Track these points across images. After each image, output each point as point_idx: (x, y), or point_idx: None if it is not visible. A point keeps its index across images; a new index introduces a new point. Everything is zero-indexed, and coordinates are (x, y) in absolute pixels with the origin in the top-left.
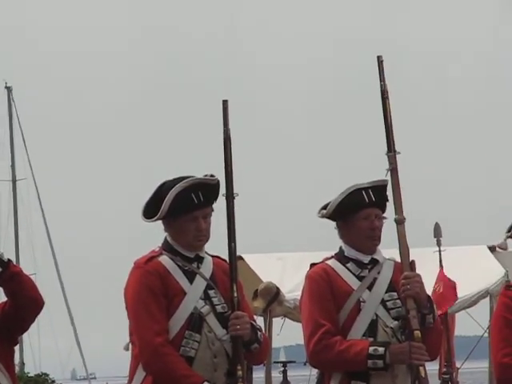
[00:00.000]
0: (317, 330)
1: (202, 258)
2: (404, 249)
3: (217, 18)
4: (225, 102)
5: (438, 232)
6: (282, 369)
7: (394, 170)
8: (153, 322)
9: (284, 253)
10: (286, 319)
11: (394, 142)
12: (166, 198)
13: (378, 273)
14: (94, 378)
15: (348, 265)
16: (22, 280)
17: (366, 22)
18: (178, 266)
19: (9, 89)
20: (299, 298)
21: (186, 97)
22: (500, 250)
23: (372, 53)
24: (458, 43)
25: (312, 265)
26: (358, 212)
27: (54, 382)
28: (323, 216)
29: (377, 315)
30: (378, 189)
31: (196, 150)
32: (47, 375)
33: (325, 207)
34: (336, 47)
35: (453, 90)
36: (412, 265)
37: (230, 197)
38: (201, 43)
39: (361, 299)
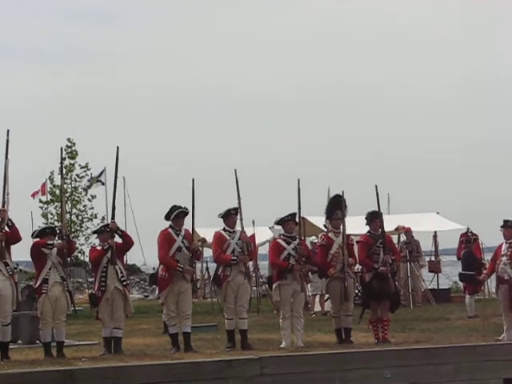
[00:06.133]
0: None
1: (181, 230)
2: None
3: None
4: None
5: None
6: None
7: None
8: (165, 249)
9: None
10: None
11: None
12: (173, 214)
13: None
14: None
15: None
16: (127, 236)
17: None
18: (174, 232)
19: (124, 179)
20: None
21: None
22: None
23: None
24: None
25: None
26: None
27: None
28: None
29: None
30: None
31: None
32: None
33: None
34: None
35: None
36: None
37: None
38: None
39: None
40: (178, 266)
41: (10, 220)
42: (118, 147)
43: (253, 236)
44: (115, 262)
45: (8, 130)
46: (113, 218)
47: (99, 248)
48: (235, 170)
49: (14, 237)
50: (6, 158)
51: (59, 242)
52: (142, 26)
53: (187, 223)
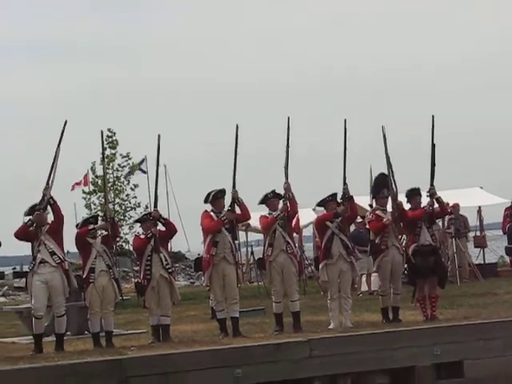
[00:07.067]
0: None
1: (221, 212)
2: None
3: None
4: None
5: None
6: None
7: None
8: (209, 220)
9: None
10: None
11: None
12: (210, 196)
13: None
14: None
15: None
16: (170, 223)
17: None
18: (215, 214)
19: (165, 167)
20: None
21: None
22: None
23: None
24: None
25: None
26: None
27: None
28: None
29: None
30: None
31: None
32: None
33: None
34: None
35: None
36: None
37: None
38: None
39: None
40: (221, 219)
41: (52, 198)
42: (159, 135)
43: (297, 218)
44: (159, 250)
45: (66, 121)
46: (155, 206)
47: (142, 236)
48: (288, 118)
49: (57, 215)
50: (58, 146)
51: (102, 222)
52: (167, 23)
53: None
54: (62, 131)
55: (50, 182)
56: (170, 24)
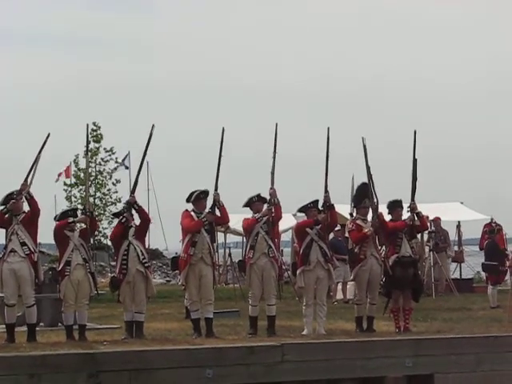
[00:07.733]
0: None
1: (202, 213)
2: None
3: None
4: None
5: None
6: None
7: None
8: (188, 220)
9: None
10: None
11: None
12: (193, 196)
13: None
14: None
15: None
16: (143, 211)
17: None
18: (196, 214)
19: (148, 164)
20: None
21: None
22: None
23: None
24: None
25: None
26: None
27: None
28: None
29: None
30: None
31: None
32: None
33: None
34: None
35: None
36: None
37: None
38: None
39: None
40: (201, 220)
41: (29, 193)
42: (153, 125)
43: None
44: (126, 235)
45: (49, 134)
46: (133, 192)
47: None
48: (276, 124)
49: (33, 208)
50: (39, 153)
51: (82, 216)
52: (168, 14)
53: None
54: (44, 142)
55: (29, 180)
56: (170, 21)
